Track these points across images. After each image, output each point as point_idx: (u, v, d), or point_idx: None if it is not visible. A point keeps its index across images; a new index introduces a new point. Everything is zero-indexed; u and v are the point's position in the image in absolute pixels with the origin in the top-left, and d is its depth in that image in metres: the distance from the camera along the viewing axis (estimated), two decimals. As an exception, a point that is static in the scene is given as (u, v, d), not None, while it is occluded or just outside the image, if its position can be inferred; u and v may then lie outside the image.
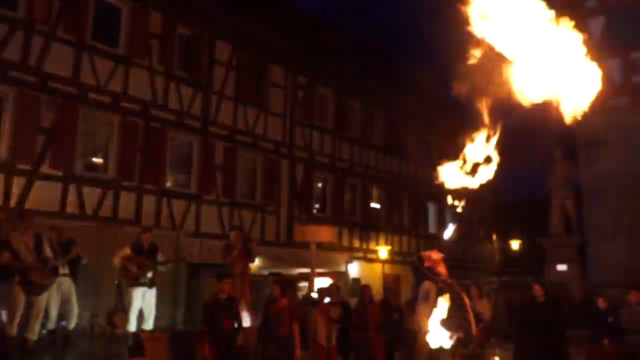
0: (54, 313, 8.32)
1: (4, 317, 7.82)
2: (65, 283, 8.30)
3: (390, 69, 25.43)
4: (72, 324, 8.53)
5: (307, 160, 17.44)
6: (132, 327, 8.64)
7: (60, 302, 8.31)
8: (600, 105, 13.69)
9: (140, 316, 8.79)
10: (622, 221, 12.24)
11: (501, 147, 5.74)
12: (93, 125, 12.84)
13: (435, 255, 5.06)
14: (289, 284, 7.49)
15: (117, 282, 9.37)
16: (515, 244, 28.48)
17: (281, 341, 6.85)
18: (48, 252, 7.89)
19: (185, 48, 14.57)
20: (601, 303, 8.60)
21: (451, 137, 24.59)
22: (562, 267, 9.89)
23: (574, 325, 8.55)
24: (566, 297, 9.25)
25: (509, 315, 10.08)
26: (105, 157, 12.88)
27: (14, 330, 7.34)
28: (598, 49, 13.30)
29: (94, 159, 13.03)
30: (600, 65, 13.76)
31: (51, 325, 8.37)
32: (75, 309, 8.50)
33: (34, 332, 7.59)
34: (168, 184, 13.92)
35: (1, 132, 11.08)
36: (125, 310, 9.10)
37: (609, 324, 8.20)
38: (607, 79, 13.61)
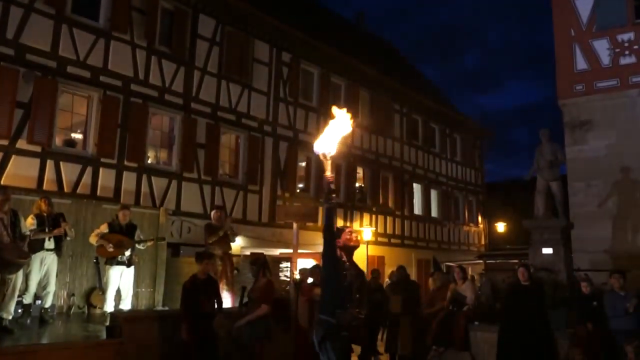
0: (33, 287, 8.11)
1: None
2: (48, 258, 8.11)
3: (375, 48, 25.24)
4: (49, 302, 8.34)
5: (291, 138, 17.23)
6: (109, 306, 8.51)
7: (41, 277, 8.10)
8: (587, 87, 13.69)
9: (118, 295, 8.66)
10: (607, 204, 12.22)
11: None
12: (72, 100, 12.56)
13: (354, 241, 4.71)
14: (264, 263, 7.31)
15: (95, 261, 9.23)
16: (501, 227, 28.61)
17: (253, 322, 6.74)
18: (28, 227, 7.70)
19: (168, 22, 14.21)
20: (584, 288, 8.56)
21: (436, 117, 24.69)
22: (547, 251, 9.81)
23: (559, 308, 8.52)
24: (552, 280, 9.23)
25: (494, 298, 10.06)
26: (84, 133, 12.60)
27: None
28: (586, 30, 13.24)
29: (73, 135, 12.76)
30: (588, 47, 13.64)
31: (28, 299, 8.17)
32: (52, 287, 8.30)
33: (9, 311, 7.41)
34: (149, 161, 13.66)
35: (-23, 106, 10.80)
36: (103, 290, 8.98)
37: (592, 308, 8.17)
38: (594, 61, 13.52)
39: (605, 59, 12.92)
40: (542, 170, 10.64)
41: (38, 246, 7.94)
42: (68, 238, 8.42)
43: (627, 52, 12.57)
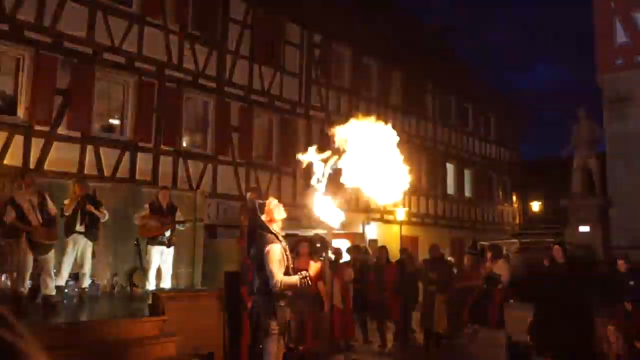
0: (66, 269, 8.33)
1: (4, 279, 7.89)
2: (81, 241, 8.34)
3: (407, 27, 24.93)
4: (85, 283, 8.58)
5: (324, 120, 17.26)
6: (151, 285, 8.78)
7: (75, 260, 8.36)
8: (627, 61, 13.34)
9: (159, 275, 8.90)
10: (646, 181, 11.97)
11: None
12: (109, 86, 12.81)
13: (278, 213, 4.77)
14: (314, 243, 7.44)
15: (135, 242, 9.48)
16: (535, 205, 28.22)
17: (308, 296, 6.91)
18: (53, 210, 7.90)
19: (200, 6, 14.31)
20: (620, 266, 8.45)
21: (470, 96, 24.35)
22: (584, 229, 9.68)
23: (596, 286, 8.44)
24: (588, 258, 9.12)
25: (528, 276, 9.99)
26: (121, 118, 12.87)
27: (24, 289, 7.42)
28: (627, 2, 12.83)
29: (111, 120, 13.05)
30: (630, 19, 13.23)
31: (61, 281, 8.41)
32: (88, 269, 8.53)
33: (50, 289, 7.69)
34: (184, 145, 13.90)
35: (19, 93, 11.11)
36: (144, 270, 9.25)
37: (629, 287, 8.06)
38: (636, 33, 13.13)
39: (646, 32, 12.55)
40: (580, 147, 10.49)
41: (69, 230, 8.20)
42: (102, 220, 8.62)
43: (669, 24, 12.20)
